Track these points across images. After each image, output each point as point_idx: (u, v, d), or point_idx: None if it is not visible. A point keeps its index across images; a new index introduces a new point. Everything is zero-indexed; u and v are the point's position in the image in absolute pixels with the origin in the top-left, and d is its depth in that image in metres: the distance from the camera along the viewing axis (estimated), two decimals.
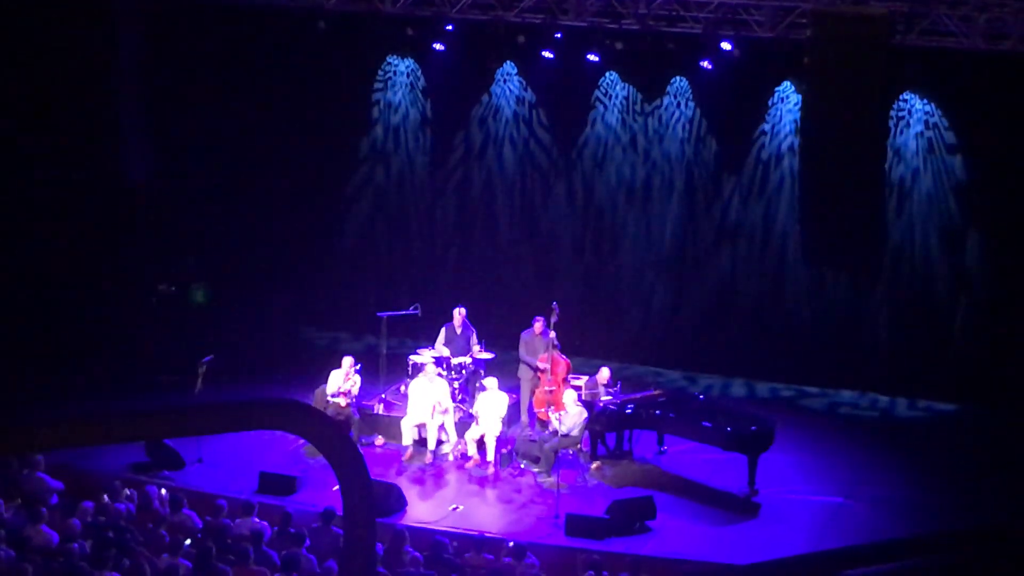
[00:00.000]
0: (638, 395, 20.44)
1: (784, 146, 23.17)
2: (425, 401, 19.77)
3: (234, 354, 21.93)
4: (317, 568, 14.95)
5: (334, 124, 25.19)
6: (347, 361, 20.26)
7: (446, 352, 20.87)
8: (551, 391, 20.14)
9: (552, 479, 18.70)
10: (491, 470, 19.45)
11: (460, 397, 20.65)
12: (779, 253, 23.60)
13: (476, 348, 20.99)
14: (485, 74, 24.40)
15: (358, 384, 20.19)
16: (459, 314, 21.15)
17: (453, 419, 19.96)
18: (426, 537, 16.48)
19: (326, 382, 20.23)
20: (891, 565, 5.98)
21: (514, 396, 20.59)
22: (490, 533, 17.41)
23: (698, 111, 23.59)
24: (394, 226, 25.52)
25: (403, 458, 19.81)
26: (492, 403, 19.70)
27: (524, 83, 24.34)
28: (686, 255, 24.14)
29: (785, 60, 21.74)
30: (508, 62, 24.17)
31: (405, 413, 20.05)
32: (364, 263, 25.61)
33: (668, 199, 24.04)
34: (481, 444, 19.61)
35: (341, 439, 4.44)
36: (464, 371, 20.84)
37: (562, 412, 19.37)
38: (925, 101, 22.36)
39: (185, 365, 20.45)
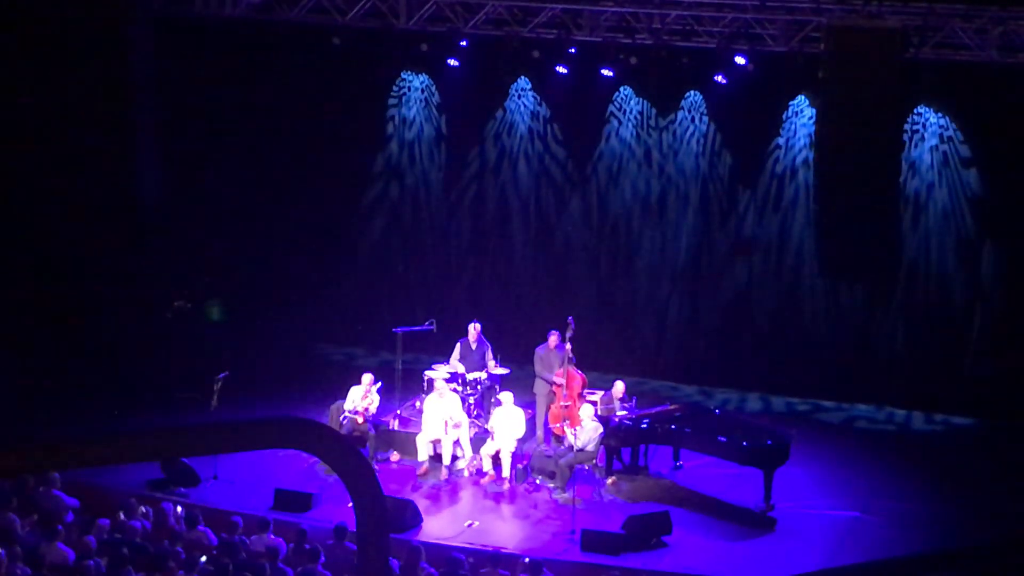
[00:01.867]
0: (653, 410, 20.41)
1: (799, 160, 23.17)
2: (439, 417, 19.76)
3: (249, 370, 21.96)
4: None
5: (349, 140, 25.24)
6: (367, 378, 20.25)
7: (461, 368, 20.87)
8: (567, 406, 20.13)
9: (568, 494, 18.68)
10: (506, 486, 19.44)
11: (475, 412, 20.64)
12: (794, 267, 23.59)
13: (491, 363, 20.99)
14: (499, 89, 24.45)
15: (376, 403, 20.19)
16: (474, 329, 21.15)
17: (468, 434, 19.95)
18: (442, 553, 16.46)
19: (343, 397, 20.24)
20: None
21: (530, 411, 20.58)
22: (506, 549, 17.39)
23: (712, 125, 23.61)
24: (409, 241, 25.55)
25: (418, 474, 19.80)
26: (507, 418, 19.68)
27: (538, 98, 24.38)
28: (701, 269, 24.13)
29: (799, 74, 21.72)
30: (522, 77, 24.22)
31: (420, 429, 20.04)
32: (379, 279, 25.64)
33: (683, 213, 24.04)
34: (496, 459, 19.60)
35: (353, 456, 4.42)
36: (479, 386, 20.83)
37: (578, 427, 19.36)
38: (940, 114, 22.35)
39: (201, 381, 20.47)
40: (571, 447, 19.28)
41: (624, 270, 24.54)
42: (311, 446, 4.34)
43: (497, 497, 19.33)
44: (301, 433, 4.35)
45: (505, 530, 18.44)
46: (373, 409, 20.12)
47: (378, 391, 20.24)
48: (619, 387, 20.39)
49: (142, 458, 4.57)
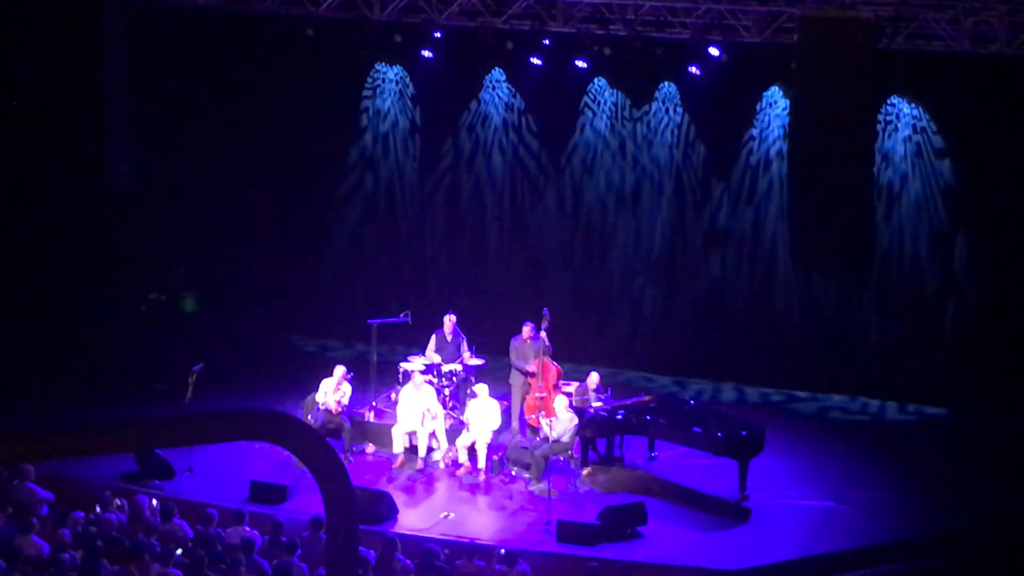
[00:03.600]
0: (629, 401, 20.45)
1: (772, 151, 23.20)
2: (415, 408, 19.76)
3: (224, 362, 21.91)
4: None
5: (323, 132, 25.20)
6: (339, 370, 20.21)
7: (437, 359, 20.88)
8: (542, 397, 20.14)
9: (543, 485, 18.69)
10: (482, 477, 19.45)
11: (451, 404, 20.65)
12: (768, 258, 23.62)
13: (466, 354, 21.01)
14: (474, 81, 24.43)
15: (348, 393, 20.15)
16: (449, 321, 21.15)
17: (444, 426, 19.95)
18: (417, 544, 16.45)
19: (316, 390, 20.22)
20: (881, 569, 5.99)
21: (505, 403, 20.59)
22: (481, 540, 17.42)
23: (686, 116, 23.62)
24: (384, 233, 25.52)
25: (394, 466, 19.80)
26: (483, 410, 19.69)
27: (513, 89, 24.36)
28: (675, 260, 24.15)
29: (773, 65, 21.76)
30: (497, 69, 24.21)
31: (395, 421, 20.04)
32: (354, 271, 25.61)
33: (657, 205, 24.06)
34: (472, 451, 19.61)
35: (321, 447, 4.43)
36: (455, 378, 20.84)
37: (553, 418, 19.37)
38: (913, 105, 22.40)
39: (175, 374, 20.43)
40: (546, 438, 19.31)
41: (599, 261, 24.55)
42: (279, 438, 4.35)
43: (472, 488, 19.34)
44: (270, 425, 4.36)
45: (480, 521, 18.46)
46: (345, 400, 20.07)
47: (348, 380, 20.20)
48: (594, 378, 20.42)
49: (114, 450, 4.58)
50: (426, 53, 23.53)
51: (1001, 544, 6.27)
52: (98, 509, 16.43)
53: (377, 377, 21.47)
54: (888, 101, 22.35)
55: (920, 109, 22.41)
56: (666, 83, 23.54)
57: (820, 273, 23.26)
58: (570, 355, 22.17)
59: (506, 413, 20.50)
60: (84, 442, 4.53)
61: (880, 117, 22.31)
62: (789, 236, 23.17)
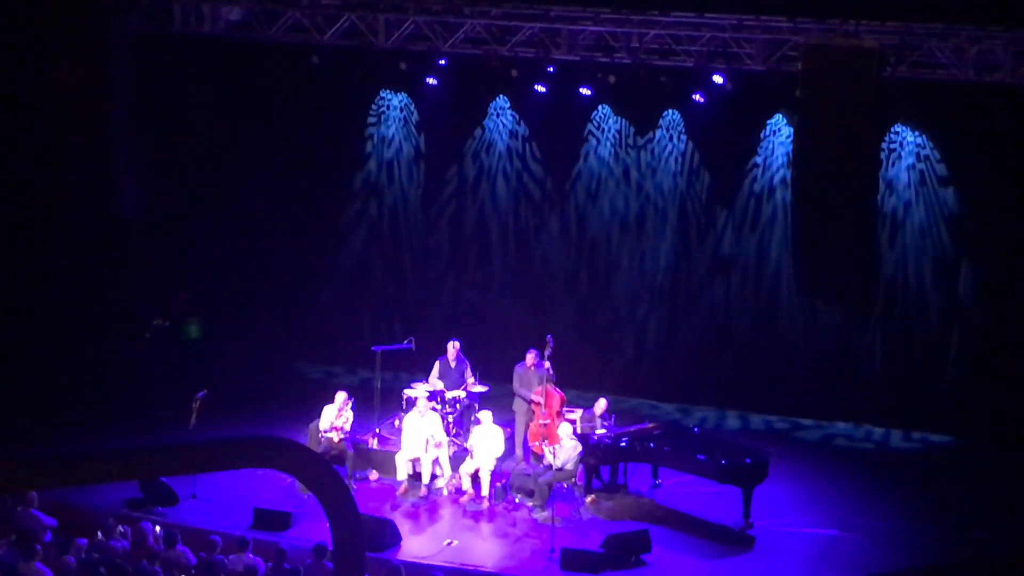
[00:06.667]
0: (632, 428, 20.44)
1: (776, 179, 23.22)
2: (418, 435, 19.75)
3: (228, 389, 21.91)
4: None
5: (328, 158, 25.25)
6: (340, 396, 20.22)
7: (440, 386, 20.87)
8: (545, 424, 20.12)
9: (547, 513, 18.68)
10: (486, 504, 19.42)
11: (454, 431, 20.63)
12: (772, 285, 23.62)
13: (470, 381, 21.00)
14: (478, 108, 24.47)
15: (351, 420, 20.15)
16: (453, 347, 21.15)
17: (447, 453, 19.94)
18: (421, 572, 16.46)
19: (319, 417, 20.20)
20: None
21: (508, 430, 20.58)
22: (485, 568, 17.40)
23: (690, 144, 23.65)
24: (388, 260, 25.54)
25: (397, 493, 19.78)
26: (486, 437, 19.67)
27: (517, 117, 24.41)
28: (680, 288, 24.15)
29: (777, 93, 21.74)
30: (501, 96, 24.26)
31: (399, 448, 20.02)
32: (358, 297, 25.62)
33: (661, 232, 24.07)
34: (475, 478, 19.59)
35: (328, 475, 4.43)
36: (458, 404, 20.83)
37: (556, 446, 19.35)
38: (917, 133, 22.43)
39: (179, 400, 20.42)
40: (550, 465, 19.28)
41: (603, 288, 24.56)
42: (286, 465, 4.35)
43: (476, 516, 19.31)
44: (276, 452, 4.36)
45: (484, 549, 18.42)
46: (348, 426, 20.07)
47: (351, 407, 20.19)
48: (601, 404, 20.42)
49: (120, 477, 4.58)
50: (431, 80, 23.58)
51: (1009, 572, 6.27)
52: (101, 536, 16.41)
53: (381, 404, 21.44)
54: (892, 129, 22.38)
55: (924, 137, 22.44)
56: (670, 111, 23.59)
57: (824, 300, 23.27)
58: (574, 382, 22.19)
59: (510, 440, 20.50)
60: (88, 470, 4.53)
61: (884, 145, 22.34)
62: (793, 263, 23.19)
